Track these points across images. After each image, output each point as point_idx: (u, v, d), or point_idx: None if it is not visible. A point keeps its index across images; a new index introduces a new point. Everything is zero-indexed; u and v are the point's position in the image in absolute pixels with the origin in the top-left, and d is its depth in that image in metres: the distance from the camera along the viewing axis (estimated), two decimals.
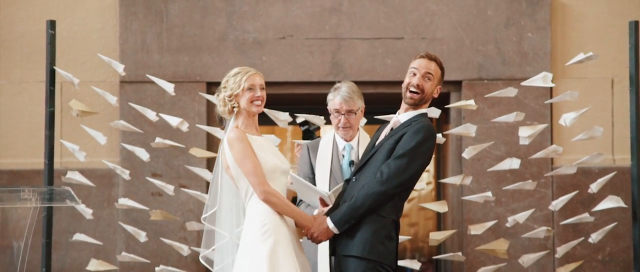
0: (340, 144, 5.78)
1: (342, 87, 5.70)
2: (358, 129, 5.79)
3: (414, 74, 5.13)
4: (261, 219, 4.99)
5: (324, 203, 5.29)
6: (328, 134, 5.91)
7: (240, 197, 5.13)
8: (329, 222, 4.99)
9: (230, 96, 5.10)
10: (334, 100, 5.71)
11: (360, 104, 5.71)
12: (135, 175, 7.62)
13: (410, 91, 5.12)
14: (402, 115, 5.15)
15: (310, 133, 6.67)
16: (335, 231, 4.98)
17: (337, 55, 8.01)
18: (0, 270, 5.50)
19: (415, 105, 5.13)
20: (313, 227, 5.02)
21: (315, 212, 5.29)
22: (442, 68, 5.19)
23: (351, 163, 5.70)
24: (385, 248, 5.01)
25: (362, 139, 5.77)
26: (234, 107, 5.11)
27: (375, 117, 6.47)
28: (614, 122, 7.93)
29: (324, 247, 5.23)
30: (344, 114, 5.67)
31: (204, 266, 7.92)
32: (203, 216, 5.24)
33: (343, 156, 5.75)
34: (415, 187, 6.57)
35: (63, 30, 7.86)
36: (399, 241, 6.68)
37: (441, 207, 6.66)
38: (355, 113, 5.69)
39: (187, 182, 7.80)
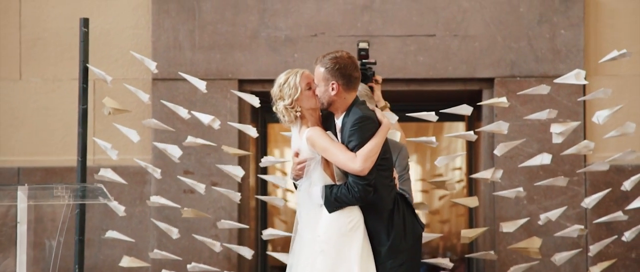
0: None
1: None
2: None
3: None
4: (346, 214, 5.03)
5: None
6: None
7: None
8: None
9: (291, 103, 5.09)
10: None
11: (371, 107, 5.67)
12: (167, 173, 7.65)
13: None
14: (338, 121, 5.17)
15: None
16: None
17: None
18: (34, 266, 5.54)
19: (329, 109, 5.16)
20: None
21: None
22: (325, 66, 5.08)
23: None
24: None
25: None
26: (298, 111, 5.10)
27: (407, 114, 6.45)
28: None
29: None
30: None
31: (235, 263, 7.97)
32: None
33: None
34: (446, 181, 6.60)
35: (96, 28, 7.90)
36: (429, 237, 6.74)
37: (472, 202, 6.63)
38: None
39: (218, 180, 7.82)
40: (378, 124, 5.06)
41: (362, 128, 4.99)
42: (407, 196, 5.66)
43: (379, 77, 6.15)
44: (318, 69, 5.10)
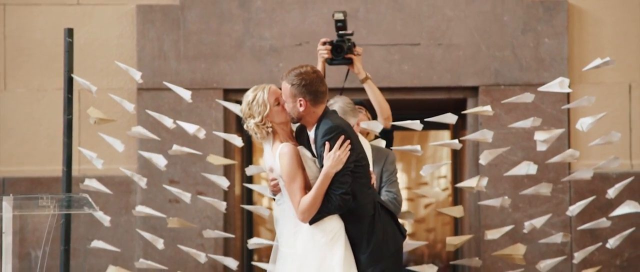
0: None
1: (334, 106, 5.63)
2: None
3: None
4: (326, 225, 5.03)
5: None
6: None
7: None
8: None
9: (262, 120, 5.09)
10: None
11: (353, 122, 5.66)
12: (153, 182, 7.64)
13: None
14: (311, 133, 5.17)
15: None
16: None
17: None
18: None
19: (298, 122, 5.17)
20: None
21: None
22: (292, 83, 5.07)
23: None
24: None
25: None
26: (269, 127, 5.10)
27: (392, 123, 6.46)
28: (631, 127, 7.91)
29: None
30: None
31: None
32: None
33: None
34: (431, 194, 6.63)
35: (81, 38, 7.90)
36: (414, 245, 6.76)
37: (458, 212, 6.64)
38: None
39: (204, 189, 7.82)
40: (349, 134, 5.05)
41: (332, 139, 4.99)
42: (395, 197, 5.67)
43: (359, 49, 6.10)
44: (284, 85, 5.10)
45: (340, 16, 6.14)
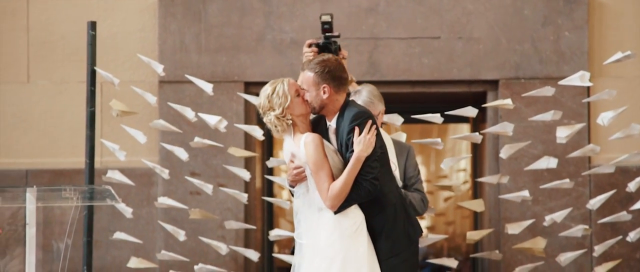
0: None
1: (363, 91, 5.64)
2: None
3: None
4: (350, 217, 5.04)
5: None
6: None
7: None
8: None
9: (282, 112, 5.10)
10: None
11: (380, 108, 5.66)
12: (174, 174, 7.67)
13: None
14: (332, 122, 5.16)
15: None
16: None
17: (374, 55, 8.03)
18: (43, 268, 5.57)
19: (321, 113, 5.14)
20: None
21: None
22: (314, 70, 5.07)
23: None
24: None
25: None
26: (289, 120, 5.11)
27: (412, 116, 6.48)
28: None
29: None
30: None
31: (242, 264, 8.01)
32: None
33: None
34: (452, 185, 6.65)
35: (103, 31, 7.94)
36: (434, 238, 6.77)
37: (478, 206, 6.65)
38: (376, 117, 5.67)
39: (225, 181, 7.85)
40: (375, 120, 5.05)
41: (361, 124, 5.00)
42: (426, 198, 5.69)
43: (344, 52, 6.10)
44: (306, 74, 5.09)
45: (327, 18, 6.12)
